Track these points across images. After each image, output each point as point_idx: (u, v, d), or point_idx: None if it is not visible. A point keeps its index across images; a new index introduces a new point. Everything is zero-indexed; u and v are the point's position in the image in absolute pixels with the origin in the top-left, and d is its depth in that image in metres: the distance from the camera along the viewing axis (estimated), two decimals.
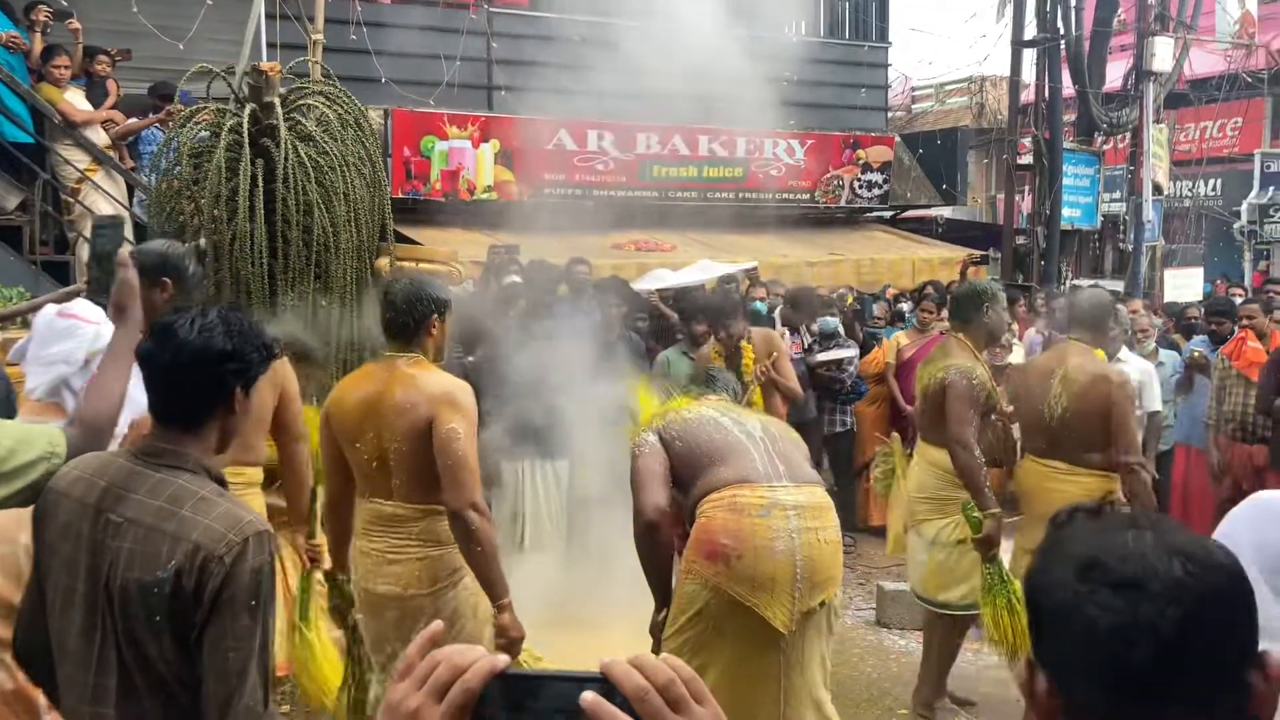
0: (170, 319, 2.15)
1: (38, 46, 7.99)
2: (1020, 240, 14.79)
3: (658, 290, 8.50)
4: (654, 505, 3.58)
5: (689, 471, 3.66)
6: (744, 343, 6.15)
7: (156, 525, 2.05)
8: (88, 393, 2.46)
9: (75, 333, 2.45)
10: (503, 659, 0.87)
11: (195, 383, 2.13)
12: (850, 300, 9.62)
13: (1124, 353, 6.71)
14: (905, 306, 10.50)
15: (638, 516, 3.61)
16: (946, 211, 15.86)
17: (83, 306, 2.59)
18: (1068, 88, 14.42)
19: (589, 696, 0.83)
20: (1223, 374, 6.79)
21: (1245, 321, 6.97)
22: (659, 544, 3.63)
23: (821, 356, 7.69)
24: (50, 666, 2.17)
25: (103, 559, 2.07)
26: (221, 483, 2.18)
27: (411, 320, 3.58)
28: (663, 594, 3.70)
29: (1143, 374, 6.62)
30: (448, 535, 3.54)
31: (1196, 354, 7.25)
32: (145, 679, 2.09)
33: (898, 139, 14.19)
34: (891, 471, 5.54)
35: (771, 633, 3.46)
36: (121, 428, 2.40)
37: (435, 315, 3.64)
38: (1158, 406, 6.70)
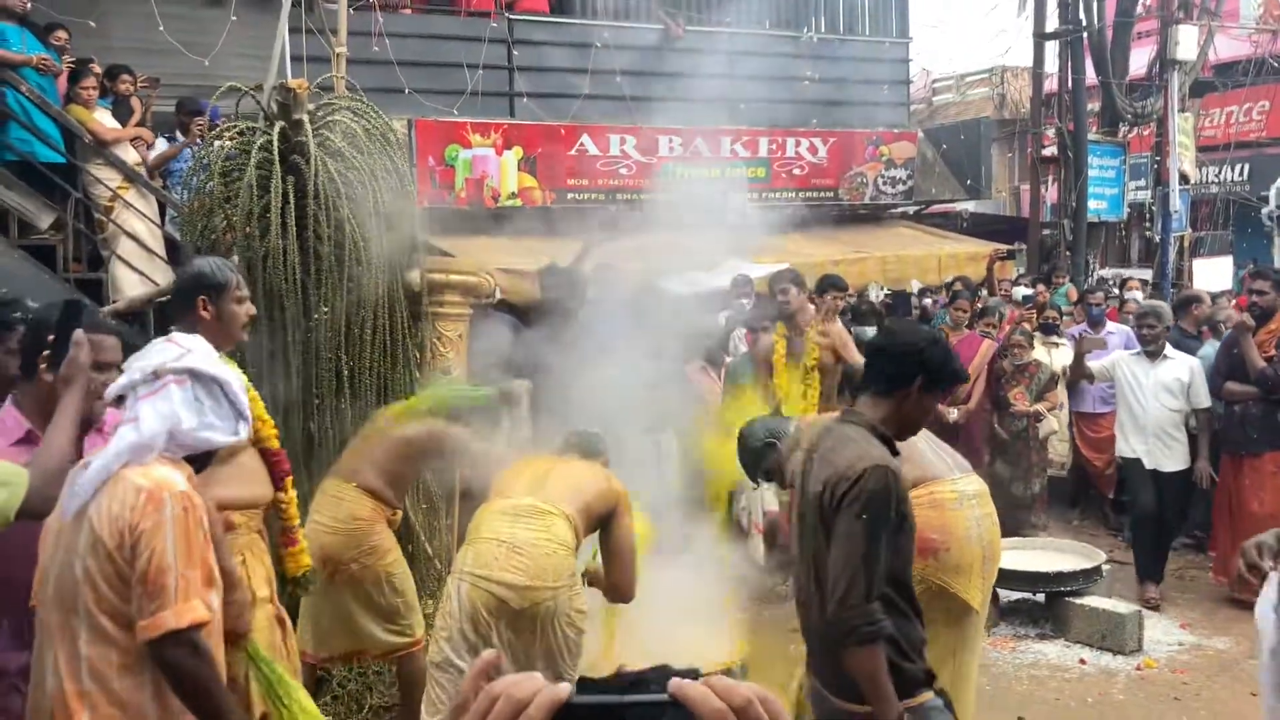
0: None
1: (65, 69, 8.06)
2: (1046, 233, 14.68)
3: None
4: None
5: None
6: (810, 327, 6.43)
7: (824, 456, 2.95)
8: (41, 447, 2.71)
9: (164, 351, 2.59)
10: (565, 688, 0.82)
11: (888, 362, 3.03)
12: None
13: (1169, 349, 6.77)
14: (928, 301, 10.52)
15: None
16: (971, 205, 15.77)
17: (189, 338, 2.70)
18: (1091, 78, 14.30)
19: None
20: None
21: None
22: None
23: None
24: None
25: (808, 478, 2.99)
26: (885, 440, 2.95)
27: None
28: None
29: (1191, 371, 6.68)
30: None
31: None
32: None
33: (920, 134, 14.12)
34: None
35: (966, 611, 3.78)
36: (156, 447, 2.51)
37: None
38: (1206, 403, 6.68)
